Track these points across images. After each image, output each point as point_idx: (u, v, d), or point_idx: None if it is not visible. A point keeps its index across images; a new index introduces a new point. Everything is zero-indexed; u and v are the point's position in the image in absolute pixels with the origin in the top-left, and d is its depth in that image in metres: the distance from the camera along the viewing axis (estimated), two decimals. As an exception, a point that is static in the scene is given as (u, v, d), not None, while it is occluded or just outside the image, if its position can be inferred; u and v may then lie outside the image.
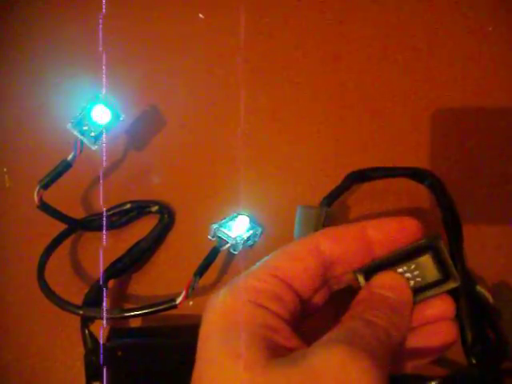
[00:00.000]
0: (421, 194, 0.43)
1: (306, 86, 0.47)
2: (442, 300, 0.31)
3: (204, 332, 0.29)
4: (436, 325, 0.31)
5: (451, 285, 0.30)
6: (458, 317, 0.37)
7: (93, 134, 0.41)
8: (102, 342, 0.39)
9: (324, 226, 0.39)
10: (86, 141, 0.40)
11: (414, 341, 0.30)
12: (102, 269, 0.40)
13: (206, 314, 0.29)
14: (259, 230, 0.43)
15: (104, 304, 0.39)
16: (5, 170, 0.48)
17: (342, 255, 0.30)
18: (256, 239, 0.43)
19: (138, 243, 0.44)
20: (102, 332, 0.39)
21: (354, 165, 0.43)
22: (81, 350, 0.40)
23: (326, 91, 0.46)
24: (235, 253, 0.41)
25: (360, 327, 0.27)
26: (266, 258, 0.30)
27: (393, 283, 0.30)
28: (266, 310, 0.28)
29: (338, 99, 0.46)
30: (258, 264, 0.30)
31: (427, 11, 0.47)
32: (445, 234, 0.41)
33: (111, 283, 0.43)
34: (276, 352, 0.26)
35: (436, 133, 0.44)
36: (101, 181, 0.45)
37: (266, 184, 0.45)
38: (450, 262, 0.30)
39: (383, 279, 0.30)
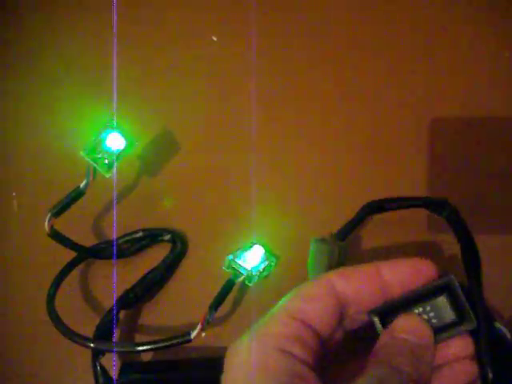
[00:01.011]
0: (439, 225, 0.42)
1: (319, 113, 0.46)
2: (459, 339, 0.30)
3: (230, 380, 0.29)
4: (455, 365, 0.30)
5: (468, 327, 0.29)
6: (477, 355, 0.36)
7: (106, 161, 0.40)
8: (115, 377, 0.38)
9: (338, 260, 0.38)
10: (99, 168, 0.39)
11: (435, 383, 0.30)
12: (115, 300, 0.39)
13: (230, 360, 0.29)
14: (274, 261, 0.42)
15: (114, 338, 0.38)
16: (14, 194, 0.47)
17: (357, 296, 0.30)
18: (271, 270, 0.42)
19: (149, 273, 0.43)
20: (115, 368, 0.38)
21: (367, 193, 0.42)
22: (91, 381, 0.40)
23: (341, 119, 0.46)
24: (250, 285, 0.41)
25: (387, 375, 0.27)
26: (283, 301, 0.30)
27: (414, 327, 0.30)
28: (292, 356, 0.28)
29: (354, 128, 0.45)
30: (276, 307, 0.30)
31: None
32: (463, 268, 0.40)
33: (122, 314, 0.42)
34: None
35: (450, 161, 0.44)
36: (114, 209, 0.44)
37: (281, 213, 0.44)
38: (465, 303, 0.29)
39: (404, 322, 0.30)
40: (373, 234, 0.43)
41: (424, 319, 0.30)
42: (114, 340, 0.40)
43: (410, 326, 0.30)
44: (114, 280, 0.41)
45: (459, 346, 0.30)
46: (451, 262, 0.42)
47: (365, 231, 0.43)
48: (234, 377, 0.28)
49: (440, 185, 0.44)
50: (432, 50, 0.46)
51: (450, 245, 0.41)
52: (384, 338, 0.30)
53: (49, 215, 0.39)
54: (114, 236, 0.43)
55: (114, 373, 0.38)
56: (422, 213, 0.42)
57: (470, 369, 0.30)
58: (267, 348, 0.28)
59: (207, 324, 0.37)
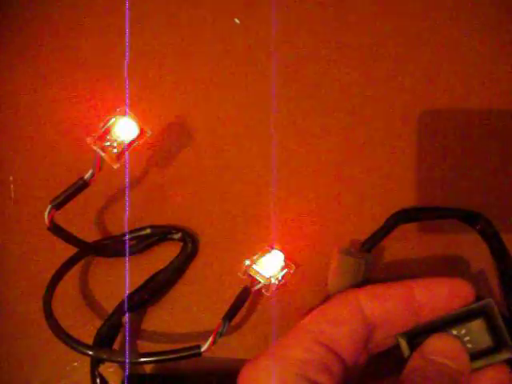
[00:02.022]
0: (472, 238, 0.39)
1: (345, 112, 0.42)
2: (495, 368, 0.28)
3: None
4: None
5: (506, 355, 0.27)
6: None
7: (115, 150, 0.36)
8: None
9: (364, 275, 0.35)
10: (106, 158, 0.36)
11: None
12: (126, 304, 0.36)
13: None
14: (293, 268, 0.38)
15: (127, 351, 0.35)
16: (11, 178, 0.43)
17: (386, 319, 0.28)
18: (289, 278, 0.38)
19: (157, 274, 0.39)
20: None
21: (394, 202, 0.39)
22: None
23: (369, 124, 0.42)
24: (267, 294, 0.37)
25: None
26: (304, 321, 0.28)
27: (448, 348, 0.27)
28: None
29: (383, 135, 0.42)
30: (297, 327, 0.28)
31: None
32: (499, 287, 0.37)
33: (125, 318, 0.38)
34: None
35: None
36: (126, 202, 0.40)
37: (300, 217, 0.41)
38: (504, 329, 0.27)
39: (437, 343, 0.27)
40: (399, 244, 0.40)
41: (458, 339, 0.27)
42: (116, 348, 0.37)
43: (442, 347, 0.27)
44: (126, 280, 0.37)
45: (495, 377, 0.28)
46: (483, 279, 0.39)
47: (390, 241, 0.39)
48: None
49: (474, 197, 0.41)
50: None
51: (484, 260, 0.38)
52: (415, 361, 0.27)
53: (49, 207, 0.35)
54: (126, 229, 0.39)
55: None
56: (453, 223, 0.39)
57: None
58: (290, 375, 0.25)
59: (219, 337, 0.34)
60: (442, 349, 0.27)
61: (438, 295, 0.28)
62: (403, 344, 0.28)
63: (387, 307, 0.27)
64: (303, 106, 0.43)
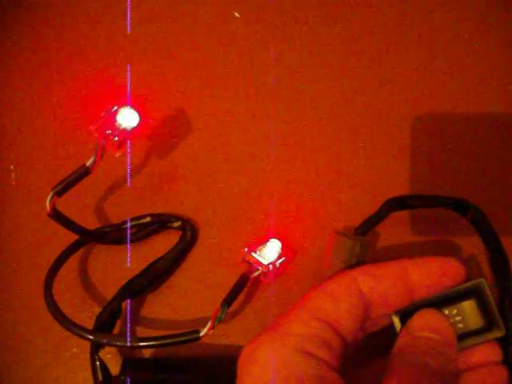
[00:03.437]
0: (463, 226, 0.39)
1: (343, 102, 0.43)
2: (486, 346, 0.29)
3: None
4: (482, 369, 0.29)
5: (496, 334, 0.28)
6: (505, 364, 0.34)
7: (116, 138, 0.37)
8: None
9: (358, 256, 0.35)
10: (108, 146, 0.36)
11: None
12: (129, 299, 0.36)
13: (246, 365, 0.26)
14: (291, 256, 0.39)
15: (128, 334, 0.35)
16: (12, 167, 0.44)
17: (381, 296, 0.28)
18: (287, 266, 0.39)
19: (156, 261, 0.40)
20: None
21: (391, 188, 0.40)
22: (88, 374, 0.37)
23: (363, 113, 0.42)
24: (265, 281, 0.38)
25: (409, 375, 0.25)
26: (304, 299, 0.28)
27: (432, 322, 0.28)
28: (316, 359, 0.26)
29: (380, 124, 0.42)
30: (296, 305, 0.28)
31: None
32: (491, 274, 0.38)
33: (124, 304, 0.39)
34: None
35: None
36: (128, 189, 0.40)
37: (297, 205, 0.41)
38: (495, 309, 0.28)
39: (421, 319, 0.28)
40: (393, 232, 0.40)
41: (442, 313, 0.28)
42: (115, 333, 0.38)
43: (428, 323, 0.28)
44: (128, 265, 0.38)
45: (486, 353, 0.29)
46: (476, 266, 0.40)
47: (385, 228, 0.40)
48: (254, 383, 0.25)
49: (464, 186, 0.41)
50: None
51: (476, 247, 0.39)
52: (402, 338, 0.28)
53: (51, 193, 0.36)
54: (128, 219, 0.40)
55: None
56: (446, 212, 0.39)
57: (500, 374, 0.29)
58: (289, 350, 0.26)
59: (218, 322, 0.34)
60: (426, 324, 0.28)
61: (431, 273, 0.28)
62: (396, 322, 0.28)
63: (383, 285, 0.28)
64: (301, 98, 0.43)
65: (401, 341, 0.28)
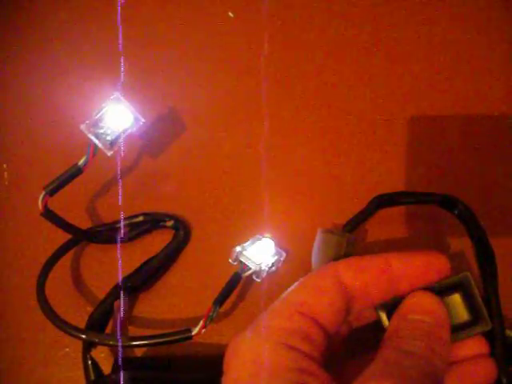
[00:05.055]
0: (451, 223, 0.39)
1: (334, 102, 0.43)
2: (473, 340, 0.29)
3: (232, 380, 0.26)
4: (471, 363, 0.29)
5: (482, 328, 0.28)
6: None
7: (109, 138, 0.37)
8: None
9: (345, 252, 0.35)
10: (100, 145, 0.36)
11: (450, 382, 0.28)
12: (122, 296, 0.36)
13: (230, 359, 0.27)
14: (283, 255, 0.39)
15: (118, 334, 0.35)
16: (4, 166, 0.44)
17: (364, 289, 0.28)
18: (279, 265, 0.39)
19: (149, 260, 0.40)
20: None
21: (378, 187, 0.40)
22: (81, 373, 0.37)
23: (354, 112, 0.42)
24: (258, 280, 0.38)
25: (400, 359, 0.25)
26: (286, 293, 0.28)
27: (423, 303, 0.28)
28: (297, 351, 0.26)
29: (368, 122, 0.42)
30: (279, 300, 0.28)
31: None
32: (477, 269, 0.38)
33: (117, 303, 0.39)
34: None
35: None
36: (120, 190, 0.40)
37: (289, 205, 0.41)
38: (480, 303, 0.28)
39: (413, 302, 0.28)
40: (381, 229, 0.40)
41: (434, 295, 0.28)
42: (108, 332, 0.38)
43: (419, 304, 0.28)
44: (119, 265, 0.38)
45: (473, 347, 0.29)
46: (465, 262, 0.40)
47: (373, 226, 0.40)
48: (237, 377, 0.26)
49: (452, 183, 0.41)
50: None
51: (463, 244, 0.39)
52: (393, 322, 0.28)
53: (43, 193, 0.36)
54: (122, 217, 0.40)
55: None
56: (434, 209, 0.39)
57: (488, 365, 0.29)
58: (272, 343, 0.26)
59: (210, 321, 0.34)
60: (417, 305, 0.28)
61: (414, 267, 0.28)
62: (382, 315, 0.28)
63: (365, 278, 0.28)
64: (293, 98, 0.43)
65: (392, 325, 0.28)
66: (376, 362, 0.25)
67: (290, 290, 0.28)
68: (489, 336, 0.30)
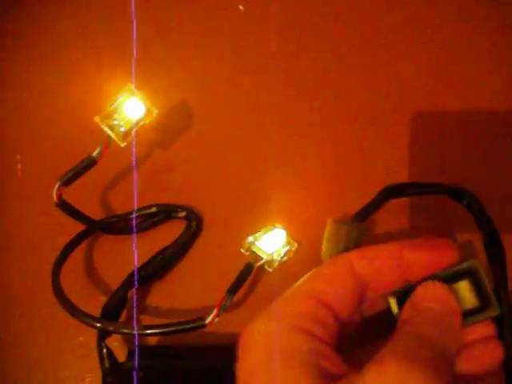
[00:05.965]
0: (459, 213, 0.39)
1: (344, 98, 0.43)
2: (482, 326, 0.30)
3: (246, 367, 0.27)
4: (479, 345, 0.29)
5: (491, 314, 0.29)
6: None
7: (122, 129, 0.37)
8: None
9: (356, 242, 0.36)
10: (114, 136, 0.37)
11: (460, 364, 0.29)
12: (136, 277, 0.37)
13: (245, 344, 0.27)
14: (295, 246, 0.39)
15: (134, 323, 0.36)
16: (18, 157, 0.44)
17: (376, 277, 0.29)
18: (291, 255, 0.39)
19: (162, 251, 0.40)
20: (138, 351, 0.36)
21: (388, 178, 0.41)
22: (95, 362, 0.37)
23: (365, 105, 0.43)
24: (270, 270, 0.38)
25: (412, 342, 0.26)
26: (300, 281, 0.29)
27: (435, 293, 0.29)
28: (311, 335, 0.26)
29: (377, 113, 0.42)
30: (293, 287, 0.29)
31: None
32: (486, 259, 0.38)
33: (130, 293, 0.39)
34: (328, 380, 0.25)
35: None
36: (135, 181, 0.41)
37: (300, 196, 0.42)
38: (489, 288, 0.29)
39: (424, 291, 0.29)
40: (390, 220, 0.41)
41: (444, 284, 0.29)
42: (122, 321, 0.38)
43: (430, 294, 0.28)
44: (135, 256, 0.38)
45: (481, 331, 0.29)
46: (472, 251, 0.40)
47: (382, 216, 0.41)
48: (253, 362, 0.26)
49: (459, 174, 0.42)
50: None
51: (471, 234, 0.39)
52: (405, 312, 0.28)
53: (58, 183, 0.36)
54: (135, 207, 0.40)
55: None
56: (442, 200, 0.40)
57: (496, 347, 0.29)
58: (286, 327, 0.26)
59: (223, 310, 0.35)
60: (428, 294, 0.28)
61: (425, 255, 0.29)
62: (392, 302, 0.29)
63: (377, 266, 0.29)
64: (302, 90, 0.43)
65: (404, 314, 0.28)
66: (389, 345, 0.26)
67: (303, 278, 0.29)
68: (497, 320, 0.31)
